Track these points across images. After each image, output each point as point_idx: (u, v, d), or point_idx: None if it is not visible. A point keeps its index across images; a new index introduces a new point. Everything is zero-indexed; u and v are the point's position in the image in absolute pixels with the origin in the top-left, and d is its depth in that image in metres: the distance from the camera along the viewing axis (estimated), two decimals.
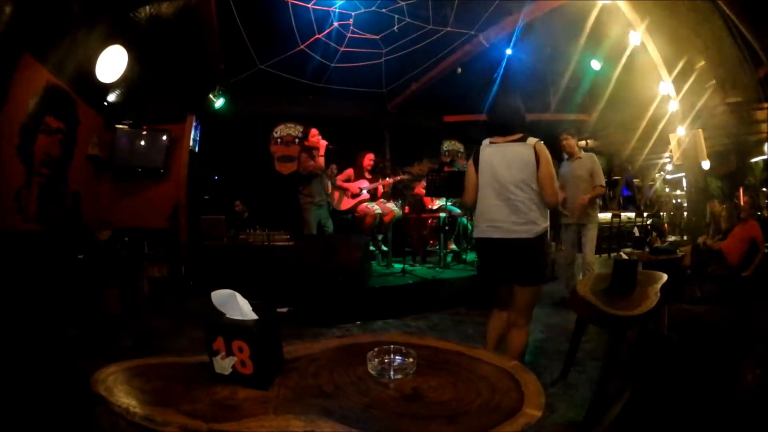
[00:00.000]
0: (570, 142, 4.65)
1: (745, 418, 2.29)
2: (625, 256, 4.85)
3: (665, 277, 2.96)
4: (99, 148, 5.98)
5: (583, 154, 4.65)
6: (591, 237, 4.55)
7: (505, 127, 2.50)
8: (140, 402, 1.08)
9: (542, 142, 2.44)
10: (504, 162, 2.44)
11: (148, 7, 5.32)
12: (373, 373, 1.25)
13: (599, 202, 4.79)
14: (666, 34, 6.25)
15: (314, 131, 5.42)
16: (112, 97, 6.06)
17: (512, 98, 2.55)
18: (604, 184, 4.55)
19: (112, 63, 5.16)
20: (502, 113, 2.53)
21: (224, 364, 1.16)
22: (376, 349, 1.31)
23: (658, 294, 2.56)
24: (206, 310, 1.22)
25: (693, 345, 3.17)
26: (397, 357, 1.31)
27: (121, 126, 6.42)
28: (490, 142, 2.53)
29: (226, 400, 1.10)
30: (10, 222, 4.21)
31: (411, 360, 1.27)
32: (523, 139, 2.45)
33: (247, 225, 6.25)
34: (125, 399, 1.08)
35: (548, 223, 2.46)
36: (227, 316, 1.20)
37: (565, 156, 4.73)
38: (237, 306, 1.19)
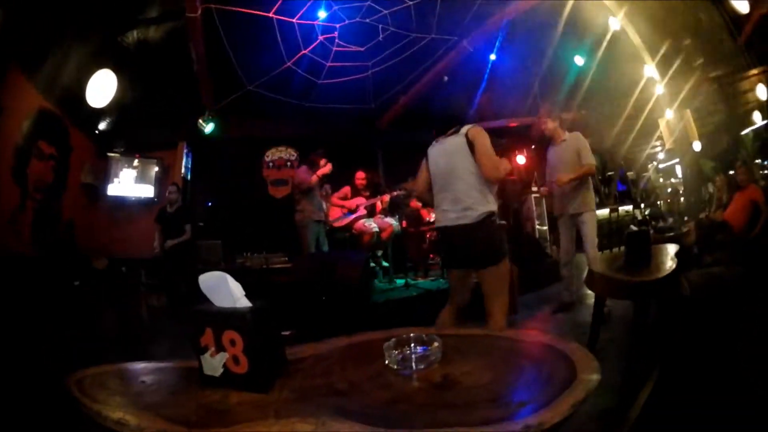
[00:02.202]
0: (549, 125, 4.11)
1: None
2: (635, 228, 4.59)
3: (677, 246, 2.98)
4: (92, 176, 5.86)
5: (567, 135, 4.08)
6: (590, 229, 3.94)
7: (445, 125, 2.67)
8: (115, 405, 0.90)
9: (478, 127, 2.56)
10: (444, 155, 2.61)
11: (135, 32, 5.30)
12: (393, 366, 1.07)
13: (593, 186, 4.19)
14: (646, 17, 6.23)
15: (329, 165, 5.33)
16: (103, 125, 5.96)
17: (454, 99, 2.83)
18: (593, 162, 3.95)
19: (101, 87, 5.08)
20: (442, 114, 2.76)
21: (214, 363, 0.97)
22: (393, 340, 1.13)
23: (675, 259, 2.53)
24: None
25: (718, 304, 3.01)
26: (418, 347, 1.13)
27: (112, 154, 6.30)
28: (435, 142, 2.71)
29: (216, 404, 0.92)
30: (5, 244, 4.11)
31: (436, 345, 1.08)
32: (457, 131, 2.58)
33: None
34: (99, 401, 0.91)
35: (493, 206, 2.52)
36: (217, 304, 1.02)
37: (551, 142, 4.23)
38: (228, 291, 1.01)
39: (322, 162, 5.25)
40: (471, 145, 2.48)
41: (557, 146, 4.13)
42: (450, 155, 2.57)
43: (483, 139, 2.48)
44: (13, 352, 2.93)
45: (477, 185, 2.49)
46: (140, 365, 1.17)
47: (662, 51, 6.70)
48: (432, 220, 6.19)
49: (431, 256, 6.41)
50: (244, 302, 1.02)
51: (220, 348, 0.96)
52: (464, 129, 2.55)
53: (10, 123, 4.22)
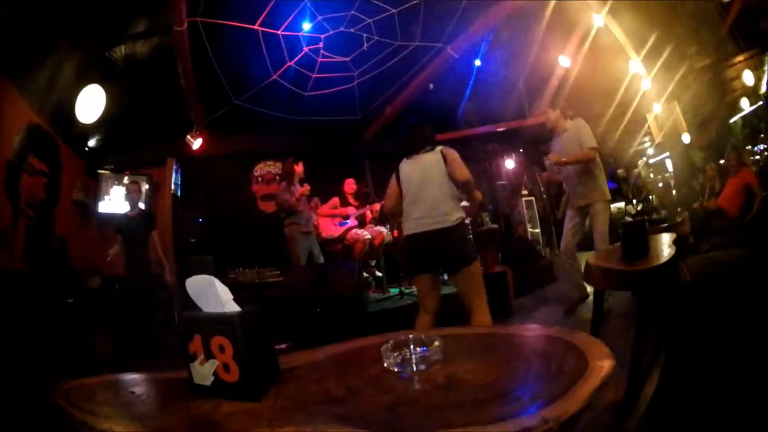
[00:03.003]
0: (551, 115, 4.05)
1: None
2: (630, 219, 4.55)
3: (674, 234, 3.01)
4: (83, 193, 5.78)
5: (569, 124, 3.98)
6: (601, 221, 3.80)
7: (417, 147, 2.94)
8: (103, 416, 0.85)
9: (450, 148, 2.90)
10: (419, 170, 2.87)
11: (123, 47, 5.28)
12: (392, 368, 1.01)
13: (604, 177, 4.04)
14: (631, 9, 6.27)
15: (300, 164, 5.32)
16: (92, 142, 5.92)
17: (421, 125, 3.03)
18: (593, 146, 3.81)
19: (90, 103, 5.03)
20: (413, 137, 2.98)
21: (204, 371, 0.91)
22: (391, 342, 1.08)
23: (673, 246, 2.52)
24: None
25: (719, 287, 2.98)
26: (418, 348, 1.07)
27: (102, 171, 6.24)
28: (407, 159, 2.96)
29: (206, 415, 0.86)
30: None
31: (436, 344, 1.03)
32: (431, 149, 2.90)
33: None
34: (86, 412, 0.87)
35: (464, 214, 2.83)
36: (204, 309, 0.97)
37: (553, 136, 4.18)
38: (216, 296, 0.96)
39: (298, 169, 5.21)
40: (445, 160, 2.81)
41: (561, 137, 4.05)
42: (426, 169, 2.85)
43: (455, 154, 2.84)
44: (5, 369, 2.86)
45: (450, 195, 2.79)
46: (130, 376, 1.13)
47: (649, 44, 6.69)
48: None
49: None
50: (232, 306, 0.97)
51: (209, 355, 0.91)
52: (438, 147, 2.89)
53: (1, 137, 4.16)
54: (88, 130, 5.55)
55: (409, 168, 2.93)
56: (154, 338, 4.64)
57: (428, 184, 2.81)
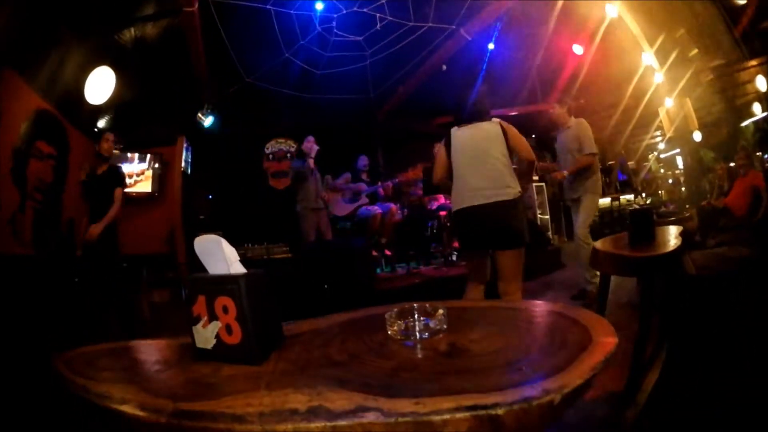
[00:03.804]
0: (556, 110, 4.18)
1: None
2: (637, 207, 4.59)
3: (681, 227, 3.00)
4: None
5: (572, 122, 4.11)
6: (585, 207, 3.98)
7: (472, 117, 2.80)
8: (102, 380, 0.86)
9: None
10: (477, 138, 2.73)
11: (132, 29, 5.29)
12: (395, 336, 1.02)
13: (599, 175, 4.17)
14: (640, 9, 6.23)
15: (310, 138, 5.36)
16: (101, 123, 5.91)
17: (479, 95, 2.87)
18: (593, 152, 3.95)
19: (100, 85, 5.05)
20: (471, 106, 2.83)
21: (207, 334, 0.91)
22: (395, 310, 1.08)
23: (679, 237, 2.52)
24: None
25: (724, 282, 2.97)
26: (422, 317, 1.07)
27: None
28: (459, 127, 2.82)
29: (206, 378, 0.87)
30: (5, 246, 4.07)
31: (440, 312, 1.03)
32: (488, 119, 2.78)
33: None
34: (87, 377, 0.88)
35: (519, 188, 2.70)
36: (211, 271, 0.97)
37: (558, 128, 4.31)
38: (222, 256, 0.96)
39: (305, 146, 5.30)
40: (504, 132, 2.71)
41: (563, 133, 4.17)
42: (485, 139, 2.71)
43: (515, 129, 2.75)
44: (14, 352, 2.90)
45: (509, 168, 2.68)
46: (132, 344, 1.13)
47: (660, 40, 6.64)
48: (434, 208, 6.17)
49: (433, 243, 6.40)
50: (238, 267, 0.98)
51: (212, 317, 0.91)
52: (495, 119, 2.76)
53: (8, 124, 4.18)
54: (97, 111, 5.57)
55: (464, 136, 2.77)
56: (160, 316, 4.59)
57: (489, 153, 2.66)
